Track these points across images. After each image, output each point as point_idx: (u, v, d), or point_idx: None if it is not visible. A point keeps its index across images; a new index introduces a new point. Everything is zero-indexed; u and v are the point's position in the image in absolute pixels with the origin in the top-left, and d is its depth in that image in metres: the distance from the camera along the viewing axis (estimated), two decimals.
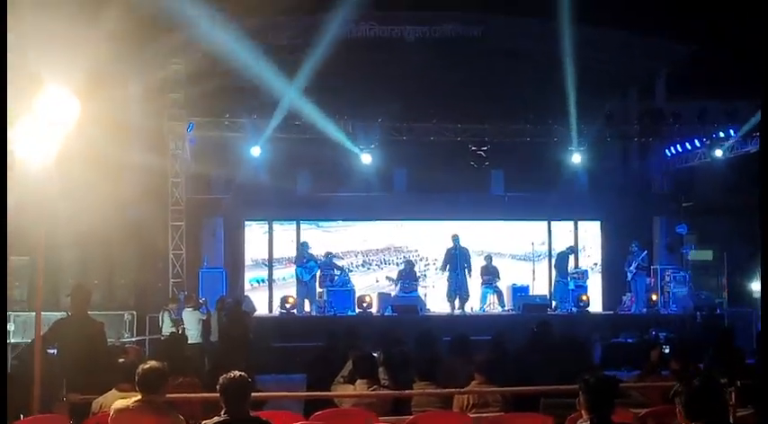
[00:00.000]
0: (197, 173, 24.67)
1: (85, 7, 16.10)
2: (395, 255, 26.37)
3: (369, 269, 26.38)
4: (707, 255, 25.65)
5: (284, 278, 26.05)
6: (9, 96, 9.41)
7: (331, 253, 24.38)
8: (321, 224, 26.52)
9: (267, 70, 23.16)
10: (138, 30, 19.70)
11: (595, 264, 27.11)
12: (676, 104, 26.36)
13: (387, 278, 25.44)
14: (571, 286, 24.59)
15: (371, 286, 25.50)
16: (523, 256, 26.61)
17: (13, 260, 22.02)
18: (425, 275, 25.84)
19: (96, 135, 17.27)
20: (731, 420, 7.33)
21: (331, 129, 23.47)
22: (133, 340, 20.45)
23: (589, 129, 24.55)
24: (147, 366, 7.69)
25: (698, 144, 25.41)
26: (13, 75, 10.51)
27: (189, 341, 18.24)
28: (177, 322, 19.68)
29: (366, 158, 24.16)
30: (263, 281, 26.26)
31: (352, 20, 25.04)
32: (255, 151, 23.64)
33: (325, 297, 23.35)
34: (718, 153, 24.79)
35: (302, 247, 24.32)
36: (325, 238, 25.95)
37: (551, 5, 24.17)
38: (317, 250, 24.61)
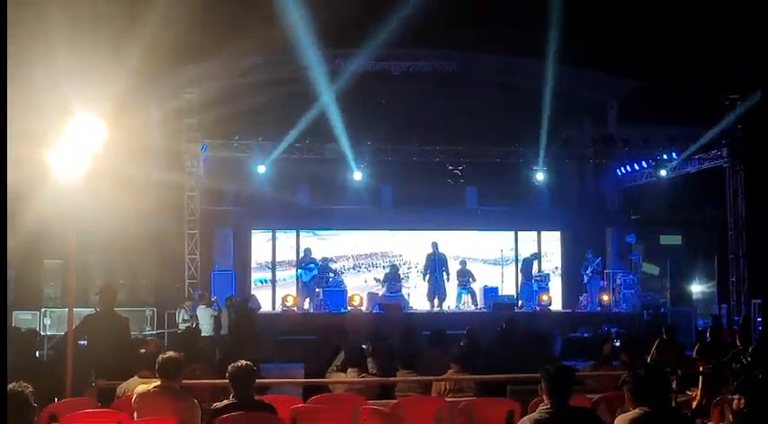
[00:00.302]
0: (210, 188, 24.66)
1: (111, 44, 16.12)
2: (381, 260, 26.33)
3: (359, 271, 26.34)
4: (654, 270, 25.73)
5: (285, 279, 26.01)
6: (44, 123, 9.42)
7: (327, 258, 24.35)
8: (318, 232, 26.48)
9: (271, 99, 23.24)
10: (157, 63, 19.73)
11: (556, 268, 27.09)
12: (625, 130, 26.41)
13: (375, 279, 25.45)
14: (535, 287, 24.59)
15: (361, 286, 25.44)
16: (494, 261, 26.58)
17: (47, 262, 22.05)
18: (408, 277, 25.80)
19: (121, 155, 17.28)
20: (673, 404, 7.32)
21: (325, 152, 23.50)
22: (153, 333, 20.39)
23: (550, 152, 24.53)
24: (166, 355, 7.68)
25: (644, 165, 25.42)
26: (48, 104, 10.51)
27: (202, 335, 18.24)
28: (192, 317, 19.65)
29: (357, 176, 24.15)
30: (266, 282, 26.22)
31: (344, 56, 25.21)
32: (261, 169, 23.61)
33: (321, 297, 23.33)
34: (663, 173, 24.82)
35: (306, 252, 24.35)
36: (322, 245, 25.88)
37: (517, 45, 24.26)
38: (315, 255, 24.58)
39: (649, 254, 26.52)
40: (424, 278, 24.62)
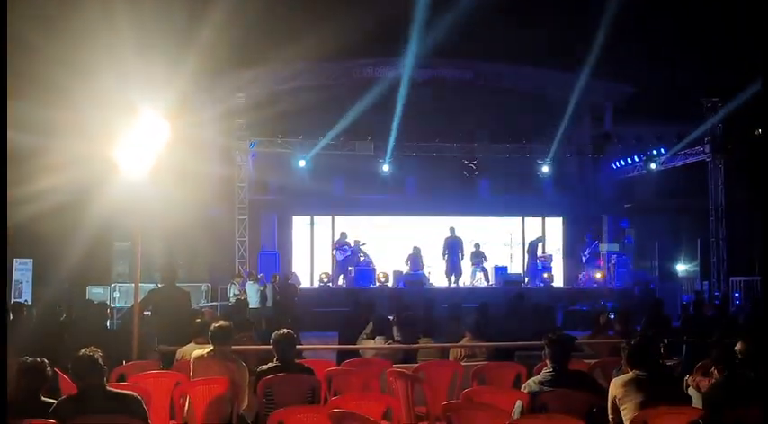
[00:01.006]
0: (257, 180, 24.78)
1: (171, 49, 16.15)
2: (407, 242, 26.28)
3: (386, 251, 26.29)
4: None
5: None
6: (113, 122, 9.45)
7: (359, 241, 24.33)
8: (351, 217, 26.51)
9: (311, 101, 23.31)
10: (212, 68, 19.80)
11: (558, 249, 27.00)
12: (620, 129, 26.35)
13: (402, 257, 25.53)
14: (539, 266, 24.51)
15: (388, 265, 25.41)
16: (503, 243, 26.52)
17: (117, 244, 22.21)
18: (429, 257, 25.76)
19: (180, 150, 17.33)
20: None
21: (357, 148, 23.57)
22: (208, 305, 20.49)
23: (554, 147, 24.49)
24: (218, 324, 7.71)
25: (636, 159, 25.36)
26: (116, 105, 10.55)
27: (250, 307, 18.28)
28: (241, 292, 19.73)
29: (385, 168, 24.19)
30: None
31: (375, 65, 25.30)
32: (302, 163, 23.72)
33: (353, 274, 23.35)
34: (652, 166, 24.75)
35: (342, 235, 24.37)
36: (355, 228, 25.92)
37: (525, 54, 24.18)
38: (349, 238, 24.61)
39: (638, 237, 26.37)
40: (442, 258, 24.57)
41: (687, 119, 25.21)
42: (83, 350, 5.88)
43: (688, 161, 24.43)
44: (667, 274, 24.39)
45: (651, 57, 27.88)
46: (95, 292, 20.09)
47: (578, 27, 23.61)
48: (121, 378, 7.95)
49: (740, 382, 6.25)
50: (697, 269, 24.92)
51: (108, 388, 5.93)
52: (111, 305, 19.81)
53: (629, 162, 25.87)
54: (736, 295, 21.82)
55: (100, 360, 5.84)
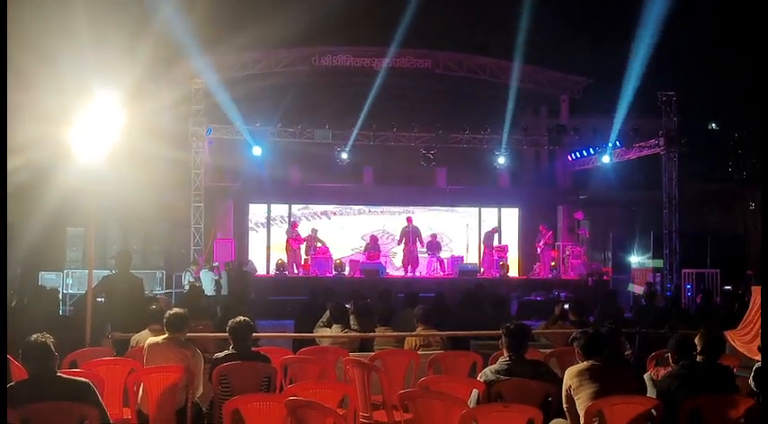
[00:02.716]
0: (213, 166, 24.64)
1: (128, 33, 15.97)
2: (364, 231, 26.25)
3: (343, 240, 26.25)
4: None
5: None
6: (67, 105, 9.31)
7: (315, 229, 24.24)
8: (308, 206, 26.48)
9: (267, 90, 23.20)
10: (169, 53, 19.62)
11: (514, 240, 27.11)
12: (576, 121, 26.53)
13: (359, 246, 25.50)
14: (495, 256, 24.60)
15: (345, 254, 25.39)
16: (460, 233, 26.59)
17: (70, 230, 21.93)
18: (386, 247, 25.78)
19: (136, 135, 17.14)
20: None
21: (314, 136, 23.48)
22: (163, 292, 20.32)
23: (511, 138, 24.61)
24: (173, 311, 7.67)
25: (592, 151, 25.58)
26: (71, 88, 10.40)
27: (206, 294, 18.15)
28: (196, 279, 19.60)
29: (344, 156, 24.14)
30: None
31: (334, 53, 25.25)
32: (257, 150, 23.58)
33: (309, 263, 23.29)
34: (605, 159, 25.02)
35: (292, 226, 24.27)
36: (311, 217, 25.90)
37: (483, 44, 24.23)
38: (305, 226, 24.56)
39: (593, 229, 26.59)
40: (400, 248, 24.60)
41: (642, 112, 25.50)
42: (34, 336, 5.81)
43: (643, 153, 24.64)
44: (620, 266, 24.57)
45: (607, 50, 28.11)
46: (48, 278, 19.81)
47: (536, 17, 23.73)
48: (74, 365, 7.88)
49: (697, 371, 6.34)
50: (650, 261, 25.17)
51: (59, 374, 5.87)
52: (64, 291, 19.61)
53: (585, 154, 26.08)
54: (688, 287, 22.09)
55: (51, 346, 5.80)
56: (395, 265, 25.06)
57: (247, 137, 23.50)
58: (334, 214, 26.71)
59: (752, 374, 7.01)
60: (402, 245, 24.21)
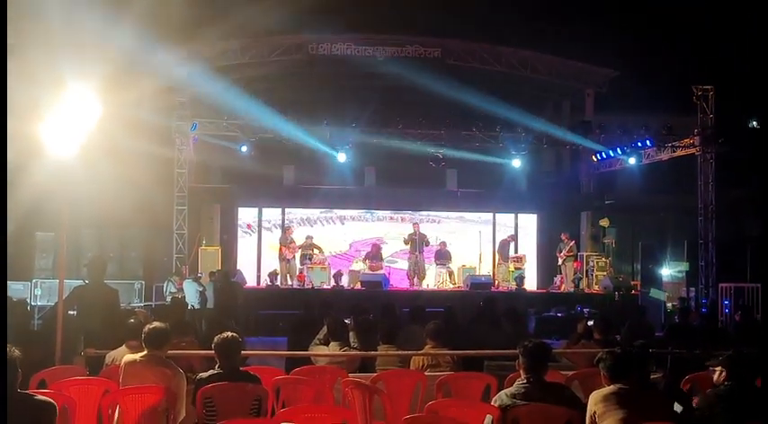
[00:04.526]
0: (198, 165, 24.64)
1: (104, 19, 15.97)
2: (363, 238, 26.26)
3: (342, 249, 26.28)
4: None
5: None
6: (37, 96, 9.31)
7: (311, 236, 24.24)
8: (304, 210, 26.48)
9: (260, 81, 23.17)
10: (149, 39, 19.60)
11: (532, 250, 27.09)
12: (602, 118, 26.47)
13: (357, 257, 25.48)
14: (511, 267, 24.57)
15: (344, 264, 25.40)
16: (472, 242, 26.57)
17: (39, 235, 21.95)
18: (389, 256, 25.78)
19: (113, 129, 17.13)
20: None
21: (311, 133, 23.43)
22: (141, 305, 20.33)
23: (529, 137, 24.58)
24: (152, 326, 7.67)
25: (619, 152, 25.49)
26: (42, 78, 10.40)
27: (189, 307, 18.16)
28: (179, 291, 19.61)
29: (341, 157, 24.14)
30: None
31: (333, 41, 25.17)
32: (245, 149, 23.57)
33: (305, 273, 23.26)
34: (632, 160, 25.01)
35: (285, 231, 24.22)
36: (306, 222, 25.91)
37: (498, 33, 24.23)
38: (300, 233, 24.55)
39: (620, 237, 26.55)
40: (404, 257, 24.59)
41: (676, 108, 25.46)
42: None
43: (676, 154, 24.60)
44: (650, 279, 24.51)
45: (637, 39, 28.09)
46: (15, 288, 19.80)
47: (558, 5, 23.75)
48: (42, 385, 7.86)
49: (745, 393, 6.30)
50: (683, 273, 25.12)
51: (18, 391, 5.80)
52: (33, 303, 19.62)
53: (611, 154, 26.00)
54: (726, 302, 22.04)
55: (16, 361, 5.71)
56: (399, 276, 25.01)
57: (236, 134, 23.48)
58: (332, 219, 26.72)
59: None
60: (408, 254, 24.20)
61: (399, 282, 24.75)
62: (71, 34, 14.01)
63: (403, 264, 24.82)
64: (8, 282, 19.92)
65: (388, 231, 26.50)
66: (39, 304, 20.03)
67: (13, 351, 5.74)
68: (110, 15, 16.57)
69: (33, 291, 20.55)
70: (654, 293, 22.98)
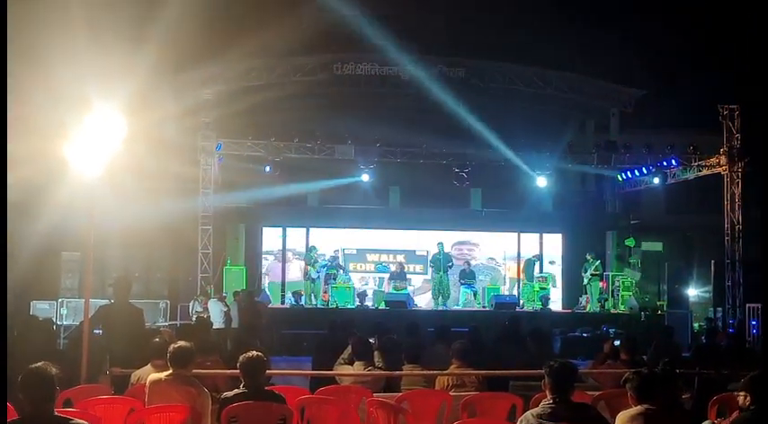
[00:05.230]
0: (223, 185, 24.68)
1: (129, 39, 16.10)
2: (387, 258, 26.26)
3: (366, 269, 26.28)
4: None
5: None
6: (64, 117, 9.37)
7: (336, 256, 24.28)
8: (328, 230, 26.49)
9: (284, 101, 23.24)
10: (174, 60, 19.73)
11: (557, 270, 26.99)
12: (627, 137, 26.34)
13: (381, 277, 25.47)
14: (536, 287, 24.49)
15: (368, 283, 25.41)
16: (497, 261, 26.54)
17: (65, 255, 22.06)
18: (413, 275, 25.76)
19: (139, 150, 17.25)
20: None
21: (335, 153, 23.46)
22: (167, 324, 20.39)
23: (554, 156, 24.50)
24: (177, 345, 7.68)
25: (645, 171, 25.36)
26: (68, 99, 10.47)
27: (214, 327, 18.20)
28: (204, 310, 19.66)
29: (365, 176, 24.17)
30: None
31: (358, 60, 25.23)
32: (269, 168, 23.58)
33: (329, 293, 23.26)
34: (656, 180, 24.90)
35: (311, 251, 24.20)
36: (330, 242, 25.89)
37: (522, 52, 24.22)
38: (325, 251, 24.57)
39: (645, 257, 26.43)
40: (429, 277, 24.57)
41: (702, 126, 25.33)
42: (38, 364, 5.70)
43: (702, 173, 24.48)
44: (676, 299, 24.36)
45: (662, 58, 28.03)
46: (41, 308, 19.96)
47: (582, 24, 23.72)
48: (68, 404, 7.87)
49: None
50: (710, 294, 24.95)
51: (56, 414, 5.77)
52: (59, 323, 19.71)
53: (637, 174, 25.88)
54: (753, 323, 21.85)
55: (55, 378, 5.63)
56: (424, 296, 24.98)
57: (261, 154, 23.54)
58: (357, 239, 26.71)
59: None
60: (432, 274, 24.18)
61: (424, 303, 24.72)
62: (96, 55, 14.13)
63: (427, 284, 24.80)
64: (34, 302, 20.19)
65: (413, 250, 26.49)
66: (65, 323, 20.12)
67: (50, 369, 5.68)
68: (135, 36, 16.70)
69: (59, 310, 20.64)
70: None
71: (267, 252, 26.71)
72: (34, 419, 5.61)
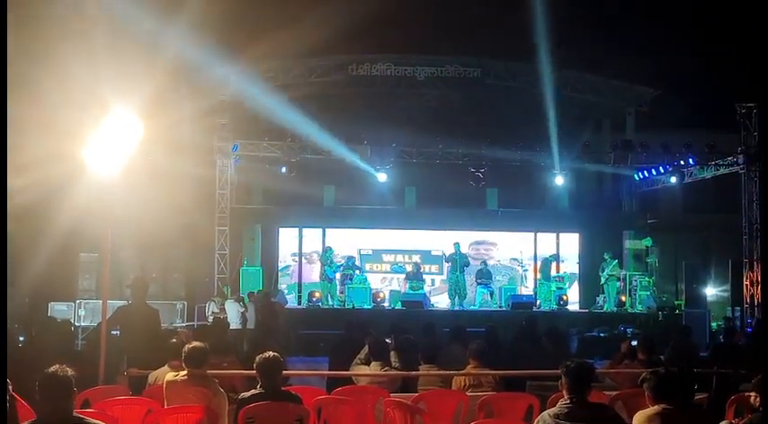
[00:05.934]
0: (240, 186, 24.74)
1: (145, 42, 16.16)
2: (404, 258, 26.25)
3: (382, 269, 26.28)
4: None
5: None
6: (81, 119, 9.40)
7: (352, 256, 24.29)
8: (344, 230, 26.48)
9: (299, 101, 23.25)
10: (190, 62, 19.78)
11: (574, 269, 26.93)
12: (643, 136, 26.24)
13: (397, 277, 25.47)
14: (553, 287, 24.44)
15: (385, 283, 25.41)
16: (513, 261, 26.49)
17: (83, 256, 22.14)
18: (430, 275, 25.73)
19: (156, 150, 17.30)
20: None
21: (350, 153, 23.46)
22: (183, 325, 20.42)
23: (570, 156, 24.45)
24: (191, 345, 7.72)
25: (662, 170, 25.29)
26: (85, 101, 10.51)
27: (231, 327, 18.22)
28: (221, 311, 19.69)
29: (382, 176, 24.17)
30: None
31: (373, 61, 25.24)
32: (285, 169, 23.59)
33: (345, 293, 23.27)
34: (673, 179, 24.84)
35: (328, 252, 24.20)
36: (347, 242, 25.90)
37: (538, 52, 24.16)
38: (340, 252, 24.58)
39: (663, 257, 26.34)
40: (445, 277, 24.55)
41: (719, 125, 25.21)
42: (54, 367, 5.74)
43: (719, 173, 24.38)
44: (694, 299, 24.27)
45: (679, 57, 27.89)
46: (58, 309, 20.03)
47: (597, 23, 23.64)
48: (86, 404, 7.89)
49: None
50: (728, 293, 24.85)
51: (75, 414, 5.79)
52: (76, 324, 19.76)
53: (654, 173, 25.80)
54: None
55: (72, 381, 5.68)
56: (440, 296, 24.94)
57: (277, 154, 23.57)
58: (373, 239, 26.70)
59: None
60: (448, 274, 24.16)
61: (440, 303, 24.70)
62: (113, 57, 14.19)
63: (444, 284, 24.78)
64: (52, 302, 20.26)
65: (429, 250, 26.46)
66: (82, 324, 20.17)
67: (66, 371, 5.71)
68: (151, 39, 16.77)
69: (77, 312, 20.71)
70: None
71: (294, 254, 26.67)
72: (52, 420, 5.65)
